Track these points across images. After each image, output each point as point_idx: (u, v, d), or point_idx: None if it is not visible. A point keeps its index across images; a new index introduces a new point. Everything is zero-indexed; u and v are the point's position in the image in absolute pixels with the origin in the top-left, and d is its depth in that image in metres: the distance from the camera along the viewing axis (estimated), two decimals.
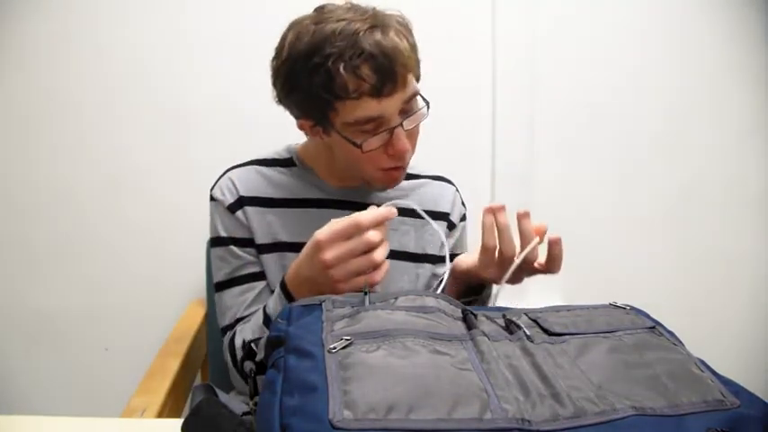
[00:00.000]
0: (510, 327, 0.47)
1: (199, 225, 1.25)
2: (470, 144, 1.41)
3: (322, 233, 0.64)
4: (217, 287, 0.87)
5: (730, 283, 1.52)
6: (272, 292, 0.87)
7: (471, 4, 1.37)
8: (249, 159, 0.91)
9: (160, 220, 1.35)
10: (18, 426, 0.59)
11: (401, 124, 0.75)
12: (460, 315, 0.49)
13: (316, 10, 0.77)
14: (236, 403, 0.50)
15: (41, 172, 1.33)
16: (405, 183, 0.92)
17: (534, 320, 0.49)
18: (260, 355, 0.47)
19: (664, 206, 1.48)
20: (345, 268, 0.63)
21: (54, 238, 1.34)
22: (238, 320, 0.83)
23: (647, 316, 0.53)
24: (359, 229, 0.63)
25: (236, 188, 0.86)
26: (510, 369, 0.40)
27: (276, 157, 0.91)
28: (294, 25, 0.76)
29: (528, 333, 0.45)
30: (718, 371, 0.45)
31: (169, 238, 1.35)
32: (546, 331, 0.47)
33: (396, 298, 0.49)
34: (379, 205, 0.86)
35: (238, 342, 0.80)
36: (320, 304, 0.49)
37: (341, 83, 0.70)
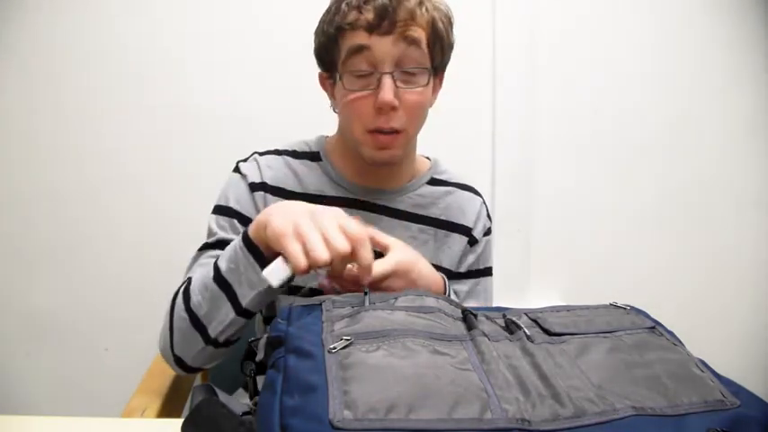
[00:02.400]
0: (510, 327, 0.47)
1: (199, 225, 1.25)
2: (470, 145, 1.41)
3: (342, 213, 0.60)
4: (201, 248, 0.81)
5: (730, 282, 1.52)
6: None
7: (472, 4, 1.37)
8: (281, 147, 0.89)
9: (160, 219, 1.35)
10: (18, 426, 0.59)
11: (392, 73, 0.73)
12: (460, 315, 0.49)
13: None
14: (235, 403, 0.50)
15: (42, 172, 1.33)
16: (430, 189, 0.90)
17: (534, 320, 0.49)
18: (260, 356, 0.47)
19: (664, 206, 1.48)
20: (315, 233, 0.55)
21: (54, 238, 1.34)
22: None
23: (647, 316, 0.53)
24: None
25: (261, 173, 0.84)
26: (510, 369, 0.40)
27: (305, 149, 0.89)
28: None
29: (528, 333, 0.45)
30: (717, 371, 0.45)
31: (169, 237, 1.35)
32: (546, 331, 0.47)
33: (396, 298, 0.49)
34: (397, 210, 0.85)
35: (192, 286, 0.72)
36: (320, 304, 0.49)
37: (343, 14, 0.74)
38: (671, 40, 1.43)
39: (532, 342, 0.44)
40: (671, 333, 0.50)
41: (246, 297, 0.66)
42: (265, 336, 0.47)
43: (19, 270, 1.34)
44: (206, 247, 0.81)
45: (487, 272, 0.96)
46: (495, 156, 1.41)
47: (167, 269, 1.38)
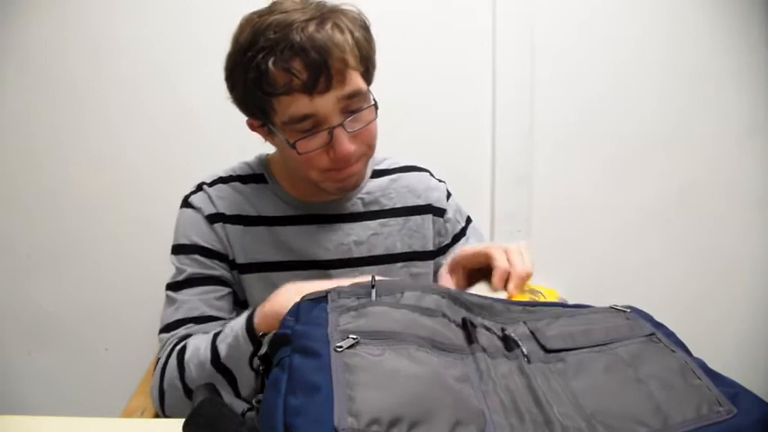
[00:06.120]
0: (508, 342, 0.47)
1: None
2: (470, 144, 1.41)
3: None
4: (171, 287, 0.79)
5: (730, 283, 1.52)
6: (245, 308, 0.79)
7: (472, 4, 1.37)
8: (222, 175, 0.87)
9: (160, 219, 1.34)
10: (18, 426, 0.59)
11: (342, 124, 0.70)
12: (460, 322, 0.48)
13: (271, 2, 0.73)
14: (238, 402, 0.50)
15: (42, 172, 1.33)
16: (376, 183, 0.89)
17: (533, 333, 0.48)
18: (263, 350, 0.46)
19: (663, 206, 1.48)
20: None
21: (54, 238, 1.34)
22: (193, 319, 0.76)
23: (648, 318, 0.53)
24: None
25: (214, 204, 0.83)
26: (506, 392, 0.41)
27: (249, 172, 0.87)
28: (243, 18, 0.74)
29: (525, 352, 0.45)
30: (718, 371, 0.45)
31: (170, 237, 1.35)
32: (543, 347, 0.47)
33: (402, 293, 0.48)
34: (352, 214, 0.84)
35: (188, 355, 0.69)
36: (326, 295, 0.48)
37: (271, 78, 0.68)
38: (671, 40, 1.43)
39: (529, 362, 0.44)
40: (671, 335, 0.50)
41: (247, 387, 0.64)
42: (272, 332, 0.46)
43: (19, 270, 1.34)
44: (177, 286, 0.79)
45: (468, 221, 0.96)
46: (495, 156, 1.41)
47: (168, 270, 1.38)
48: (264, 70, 0.68)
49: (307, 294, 0.49)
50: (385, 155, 0.94)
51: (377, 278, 0.49)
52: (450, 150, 1.37)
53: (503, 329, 0.48)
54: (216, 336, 0.68)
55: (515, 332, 0.48)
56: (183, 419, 0.48)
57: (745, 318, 1.52)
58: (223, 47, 1.30)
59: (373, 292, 0.48)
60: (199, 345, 0.69)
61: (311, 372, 0.38)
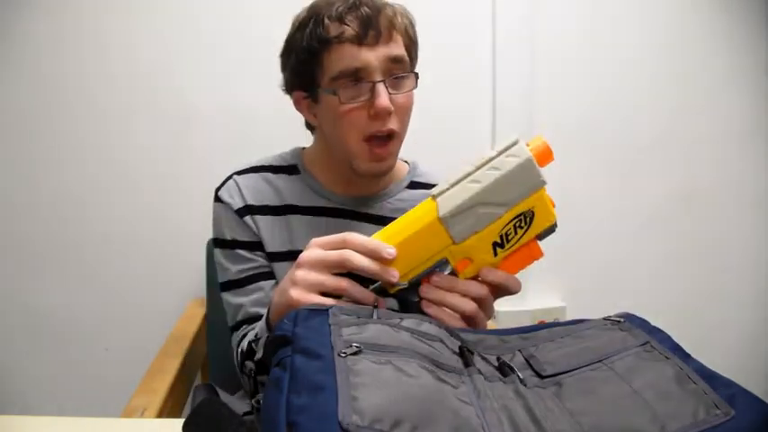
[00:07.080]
0: (503, 369, 0.47)
1: (199, 225, 1.25)
2: (470, 144, 1.41)
3: (315, 239, 0.60)
4: (223, 287, 0.86)
5: (730, 283, 1.52)
6: None
7: (472, 4, 1.37)
8: (255, 164, 0.90)
9: (160, 219, 1.35)
10: (18, 426, 0.59)
11: (384, 81, 0.75)
12: (457, 350, 0.49)
13: None
14: (237, 403, 0.50)
15: (42, 172, 1.33)
16: (410, 192, 0.90)
17: (527, 360, 0.49)
18: (259, 354, 0.47)
19: (663, 206, 1.48)
20: (307, 277, 0.56)
21: (54, 237, 1.34)
22: (246, 321, 0.81)
23: (643, 324, 0.53)
24: (344, 245, 0.57)
25: (242, 195, 0.86)
26: (504, 410, 0.41)
27: (282, 163, 0.90)
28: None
29: (521, 377, 0.46)
30: (718, 371, 0.45)
31: (169, 237, 1.35)
32: (538, 374, 0.47)
33: (401, 318, 0.50)
34: (386, 218, 0.85)
35: (244, 345, 0.75)
36: (326, 309, 0.49)
37: (326, 29, 0.75)
38: (671, 41, 1.43)
39: (525, 386, 0.45)
40: (667, 339, 0.50)
41: None
42: (266, 335, 0.47)
43: (19, 270, 1.34)
44: (230, 285, 0.84)
45: None
46: None
47: (168, 269, 1.38)
48: (321, 21, 0.76)
49: (305, 305, 0.50)
50: (426, 169, 0.95)
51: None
52: (450, 150, 1.37)
53: (498, 358, 0.49)
54: (252, 341, 0.71)
55: (511, 361, 0.49)
56: (183, 420, 0.48)
57: (745, 318, 1.52)
58: (225, 46, 1.31)
59: (375, 313, 0.49)
60: (244, 346, 0.74)
61: (314, 373, 0.38)
